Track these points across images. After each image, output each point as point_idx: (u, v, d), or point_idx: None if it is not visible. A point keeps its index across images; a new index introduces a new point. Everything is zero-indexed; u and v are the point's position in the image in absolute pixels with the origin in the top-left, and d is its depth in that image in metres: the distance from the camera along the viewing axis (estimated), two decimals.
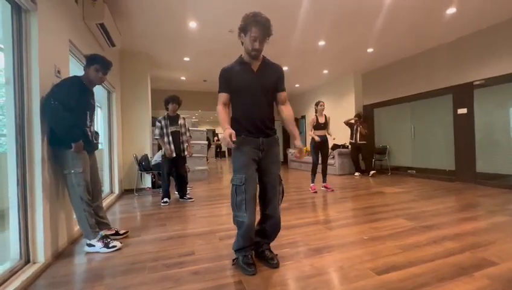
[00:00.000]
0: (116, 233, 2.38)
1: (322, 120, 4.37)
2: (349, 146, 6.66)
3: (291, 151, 9.04)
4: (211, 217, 3.10)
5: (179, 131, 3.87)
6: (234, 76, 1.69)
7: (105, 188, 4.32)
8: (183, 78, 7.07)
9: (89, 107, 2.13)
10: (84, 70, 2.12)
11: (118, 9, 3.46)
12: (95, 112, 2.31)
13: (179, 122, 3.90)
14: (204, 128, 6.94)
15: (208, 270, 1.74)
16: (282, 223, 1.86)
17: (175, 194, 4.20)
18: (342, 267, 1.74)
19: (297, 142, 1.78)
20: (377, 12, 3.79)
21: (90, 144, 2.15)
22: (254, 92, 1.69)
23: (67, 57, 2.38)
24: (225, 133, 1.54)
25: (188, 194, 4.46)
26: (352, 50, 5.30)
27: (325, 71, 6.79)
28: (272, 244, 1.91)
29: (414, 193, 4.10)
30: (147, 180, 5.13)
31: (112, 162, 4.40)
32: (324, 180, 4.51)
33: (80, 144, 1.99)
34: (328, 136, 4.45)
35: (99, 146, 4.72)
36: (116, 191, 4.45)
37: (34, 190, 1.82)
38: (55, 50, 2.15)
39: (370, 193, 4.30)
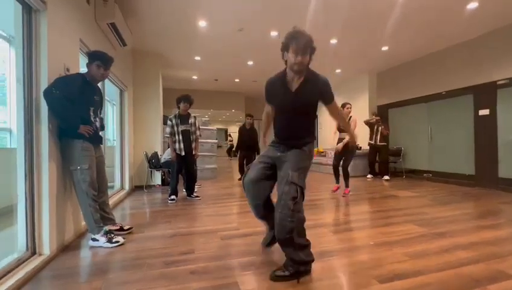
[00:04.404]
0: (121, 229, 2.41)
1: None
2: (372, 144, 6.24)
3: None
4: (216, 216, 3.10)
5: (189, 130, 3.90)
6: (273, 92, 1.74)
7: (116, 184, 4.43)
8: (194, 77, 7.14)
9: (92, 103, 2.18)
10: (86, 67, 2.17)
11: (128, 9, 3.53)
12: (101, 108, 2.36)
13: (190, 121, 3.93)
14: (214, 127, 6.96)
15: (205, 269, 1.73)
16: None
17: (183, 192, 4.24)
18: (344, 273, 1.68)
19: (347, 138, 1.98)
20: (391, 8, 3.64)
21: (95, 138, 2.19)
22: (287, 112, 1.71)
23: (78, 56, 2.45)
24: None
25: (196, 192, 4.50)
26: (366, 48, 5.13)
27: (338, 70, 6.63)
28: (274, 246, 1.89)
29: (429, 198, 3.91)
30: (157, 178, 5.22)
31: (123, 159, 4.51)
32: (346, 184, 4.17)
33: (85, 126, 2.05)
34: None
35: (110, 143, 4.87)
36: (127, 187, 4.55)
37: (41, 184, 1.88)
38: (65, 49, 2.21)
39: (382, 196, 4.14)
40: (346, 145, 4.10)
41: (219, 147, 13.40)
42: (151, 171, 5.07)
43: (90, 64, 2.16)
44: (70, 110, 1.96)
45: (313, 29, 4.25)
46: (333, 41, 4.73)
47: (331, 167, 4.34)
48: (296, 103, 1.65)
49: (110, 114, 5.39)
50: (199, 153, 4.20)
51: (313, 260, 1.63)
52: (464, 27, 4.27)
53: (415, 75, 5.82)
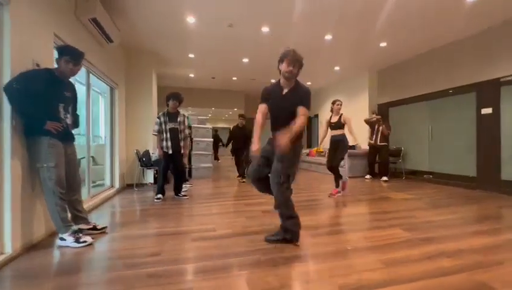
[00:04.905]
0: (94, 228, 2.36)
1: (334, 119, 4.02)
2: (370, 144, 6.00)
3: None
4: (198, 216, 3.02)
5: (177, 128, 3.84)
6: (271, 93, 2.21)
7: (106, 182, 4.42)
8: (191, 75, 7.09)
9: (61, 99, 2.12)
10: (56, 62, 2.12)
11: (114, 5, 3.47)
12: (74, 105, 2.30)
13: (178, 119, 3.87)
14: (210, 125, 6.90)
15: (165, 273, 1.65)
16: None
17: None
18: (308, 281, 1.56)
19: (282, 134, 2.00)
20: (386, 2, 3.46)
21: (65, 135, 2.14)
22: (278, 111, 2.19)
23: (51, 51, 2.39)
24: (253, 147, 2.10)
25: (186, 191, 4.44)
26: (363, 44, 4.94)
27: (336, 68, 6.45)
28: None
29: (424, 200, 3.73)
30: (149, 176, 5.19)
31: (113, 157, 4.49)
32: (336, 185, 4.03)
33: (52, 123, 2.00)
34: (346, 136, 3.99)
35: (102, 141, 4.82)
36: (117, 185, 4.53)
37: (3, 182, 1.83)
38: (34, 44, 2.16)
39: (375, 198, 3.98)
40: (337, 143, 3.99)
41: (222, 145, 13.21)
42: (143, 169, 5.05)
43: (59, 60, 2.11)
44: (32, 106, 1.91)
45: (305, 24, 4.15)
46: (328, 37, 4.57)
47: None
48: (284, 103, 2.15)
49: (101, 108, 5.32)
50: (188, 152, 4.14)
51: (297, 231, 2.11)
52: (465, 22, 4.04)
53: (416, 73, 5.59)
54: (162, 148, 3.78)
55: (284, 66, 2.08)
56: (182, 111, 4.02)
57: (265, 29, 4.27)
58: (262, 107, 2.20)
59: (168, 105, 3.88)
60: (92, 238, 2.15)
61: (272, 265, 1.75)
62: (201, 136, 6.40)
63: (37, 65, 2.16)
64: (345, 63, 6.12)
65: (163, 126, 3.78)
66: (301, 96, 2.13)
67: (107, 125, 4.45)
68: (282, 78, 2.14)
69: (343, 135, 3.96)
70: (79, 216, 2.33)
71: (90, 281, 1.58)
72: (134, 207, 3.53)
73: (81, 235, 2.11)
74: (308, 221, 2.75)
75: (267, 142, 2.27)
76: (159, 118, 3.82)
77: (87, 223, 2.36)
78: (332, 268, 1.71)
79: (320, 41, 4.72)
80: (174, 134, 3.81)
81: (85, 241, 2.07)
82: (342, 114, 3.98)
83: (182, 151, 3.90)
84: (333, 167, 4.00)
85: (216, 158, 12.59)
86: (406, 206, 3.41)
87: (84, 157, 3.42)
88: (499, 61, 4.11)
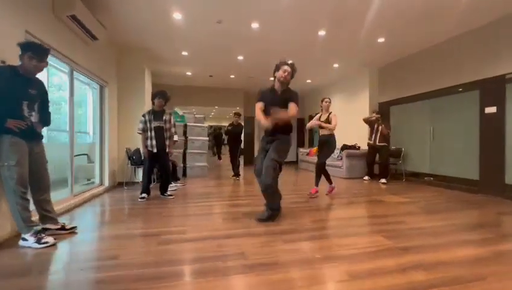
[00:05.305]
0: (62, 228, 2.32)
1: (323, 118, 3.97)
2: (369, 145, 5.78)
3: (301, 150, 8.60)
4: (175, 217, 2.94)
5: (162, 127, 3.79)
6: (265, 94, 2.75)
7: (95, 180, 4.42)
8: (188, 73, 7.02)
9: (25, 97, 2.07)
10: (19, 59, 2.07)
11: (97, 1, 3.41)
12: (42, 102, 2.24)
13: (164, 117, 3.82)
14: (207, 124, 6.85)
15: (115, 279, 1.56)
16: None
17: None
18: None
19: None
20: None
21: (29, 133, 2.09)
22: (271, 109, 2.61)
23: None
24: (264, 122, 2.56)
25: (175, 190, 4.40)
26: (360, 40, 4.73)
27: (336, 65, 6.24)
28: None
29: (419, 205, 3.52)
30: (141, 175, 5.14)
31: (103, 155, 4.48)
32: (315, 183, 3.99)
33: (15, 121, 1.95)
34: (334, 136, 3.94)
35: (93, 140, 4.76)
36: (106, 183, 4.52)
37: None
38: (0, 41, 2.13)
39: (367, 201, 3.81)
40: (323, 143, 3.93)
41: (220, 145, 13.11)
42: (134, 168, 5.02)
43: (22, 56, 2.06)
44: None
45: (295, 20, 3.99)
46: (321, 33, 4.39)
47: (329, 167, 4.11)
48: (278, 102, 2.64)
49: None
50: (173, 152, 4.08)
51: (280, 208, 2.77)
52: (469, 14, 3.78)
53: (416, 70, 5.32)
54: (146, 147, 3.73)
55: (280, 73, 2.64)
56: (182, 110, 3.98)
57: (255, 25, 4.14)
58: (259, 104, 2.72)
59: (153, 103, 3.83)
60: (55, 239, 2.10)
61: (227, 273, 1.64)
62: (196, 135, 6.35)
63: (3, 62, 2.12)
64: (344, 59, 5.90)
65: (148, 124, 3.73)
66: (291, 95, 2.67)
67: (96, 123, 4.45)
68: (277, 82, 2.70)
69: (330, 136, 3.86)
70: (47, 216, 2.29)
71: (34, 285, 1.52)
72: (116, 206, 3.49)
73: (43, 235, 2.06)
74: (282, 225, 2.60)
75: (261, 139, 2.80)
76: (143, 116, 3.77)
77: (56, 223, 2.32)
78: (293, 279, 1.58)
79: (313, 38, 4.55)
80: (160, 133, 3.76)
81: (47, 242, 2.02)
82: (330, 112, 3.85)
83: (168, 150, 3.85)
84: (320, 164, 3.90)
85: (218, 157, 12.53)
86: (398, 210, 3.23)
87: (81, 155, 3.41)
88: (504, 57, 3.83)
